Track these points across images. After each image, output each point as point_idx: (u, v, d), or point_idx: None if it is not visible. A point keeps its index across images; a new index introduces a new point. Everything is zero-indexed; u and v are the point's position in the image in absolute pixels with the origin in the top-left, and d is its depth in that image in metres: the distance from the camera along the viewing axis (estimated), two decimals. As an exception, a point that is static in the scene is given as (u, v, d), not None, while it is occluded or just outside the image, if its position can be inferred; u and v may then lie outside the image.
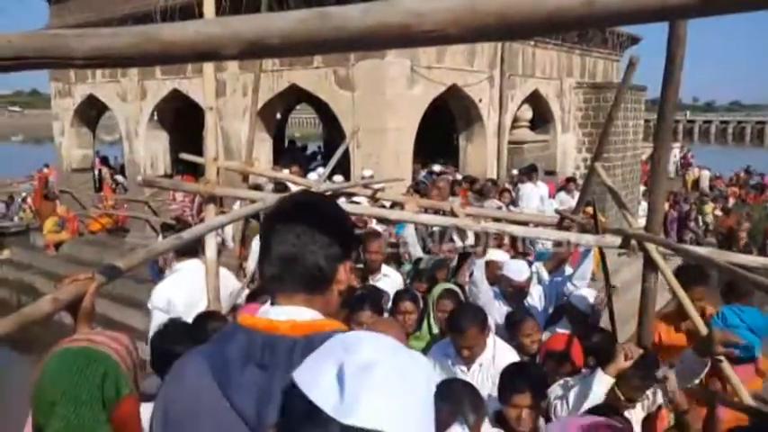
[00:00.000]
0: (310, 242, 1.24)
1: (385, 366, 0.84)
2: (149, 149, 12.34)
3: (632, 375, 2.70)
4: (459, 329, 3.18)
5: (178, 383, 1.23)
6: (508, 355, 3.30)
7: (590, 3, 0.83)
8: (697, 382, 2.87)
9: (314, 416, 0.80)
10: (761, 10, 0.96)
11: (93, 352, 1.56)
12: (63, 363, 1.53)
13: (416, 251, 5.40)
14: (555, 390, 2.96)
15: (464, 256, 4.65)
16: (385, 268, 4.73)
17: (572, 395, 2.80)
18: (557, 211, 4.89)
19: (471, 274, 4.08)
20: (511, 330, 3.64)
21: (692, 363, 2.74)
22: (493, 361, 3.23)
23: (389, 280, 4.65)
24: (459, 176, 10.01)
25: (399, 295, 3.91)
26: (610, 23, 0.98)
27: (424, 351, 3.52)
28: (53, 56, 1.00)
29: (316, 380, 0.84)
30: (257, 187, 6.37)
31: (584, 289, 3.93)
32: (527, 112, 11.47)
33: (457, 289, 3.97)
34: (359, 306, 3.34)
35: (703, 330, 2.72)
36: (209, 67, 4.10)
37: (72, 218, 12.95)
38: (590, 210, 4.61)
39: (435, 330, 3.87)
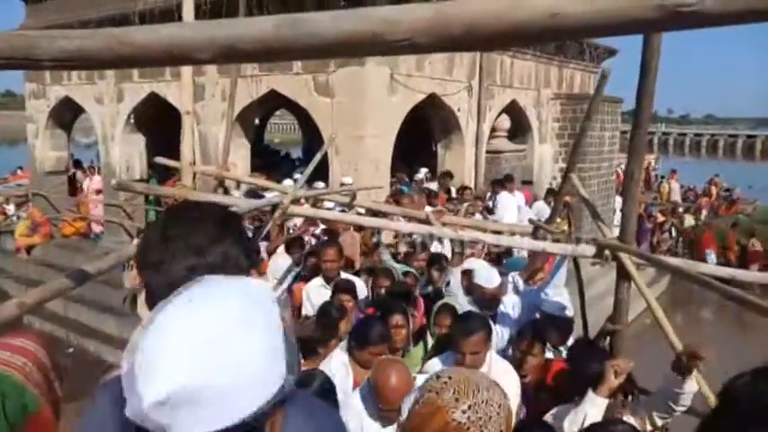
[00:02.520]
0: (219, 259, 1.09)
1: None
2: (125, 153, 12.18)
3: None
4: (466, 332, 3.08)
5: (92, 410, 1.19)
6: (503, 368, 3.26)
7: (554, 15, 0.85)
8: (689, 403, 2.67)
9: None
10: (721, 26, 0.99)
11: None
12: None
13: (391, 264, 5.35)
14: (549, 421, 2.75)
15: (434, 258, 4.62)
16: (346, 276, 4.66)
17: (566, 427, 2.64)
18: (530, 221, 4.93)
19: (448, 284, 4.07)
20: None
21: (674, 383, 2.62)
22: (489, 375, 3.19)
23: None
24: (435, 186, 10.00)
25: (390, 308, 3.78)
26: (574, 36, 1.00)
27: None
28: (19, 56, 0.99)
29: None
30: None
31: (556, 297, 3.94)
32: (505, 122, 11.57)
33: (455, 304, 3.91)
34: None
35: (679, 346, 2.62)
36: (187, 71, 4.08)
37: (44, 221, 12.73)
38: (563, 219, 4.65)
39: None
